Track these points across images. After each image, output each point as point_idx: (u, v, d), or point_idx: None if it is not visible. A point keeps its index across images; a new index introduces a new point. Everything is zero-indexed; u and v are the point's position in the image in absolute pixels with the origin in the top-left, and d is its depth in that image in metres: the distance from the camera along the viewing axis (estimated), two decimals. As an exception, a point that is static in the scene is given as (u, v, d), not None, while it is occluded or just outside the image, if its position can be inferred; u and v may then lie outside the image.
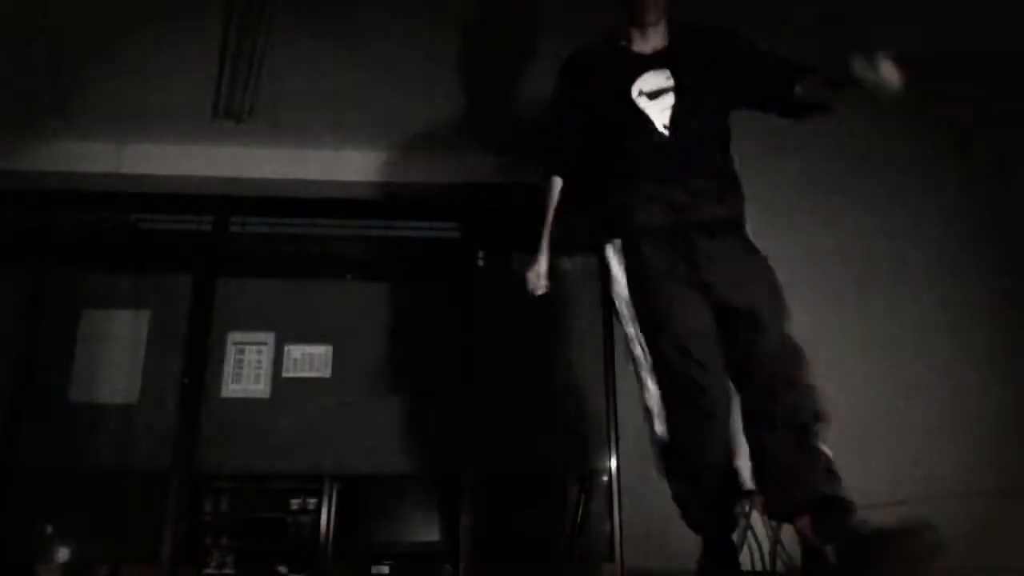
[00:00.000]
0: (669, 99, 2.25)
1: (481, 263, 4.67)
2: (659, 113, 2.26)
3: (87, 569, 3.88)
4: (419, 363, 4.56)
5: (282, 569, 4.07)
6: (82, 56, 3.69)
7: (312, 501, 4.27)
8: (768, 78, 2.29)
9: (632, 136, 2.29)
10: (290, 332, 4.61)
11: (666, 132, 2.25)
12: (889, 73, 1.96)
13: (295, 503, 4.27)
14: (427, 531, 4.30)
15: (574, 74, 2.51)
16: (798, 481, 2.08)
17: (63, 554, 3.86)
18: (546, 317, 4.64)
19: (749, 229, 2.32)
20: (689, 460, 2.27)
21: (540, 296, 2.48)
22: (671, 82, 2.27)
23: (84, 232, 4.70)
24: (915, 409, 3.07)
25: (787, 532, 3.45)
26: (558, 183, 2.51)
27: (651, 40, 2.36)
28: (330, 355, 4.58)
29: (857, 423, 3.32)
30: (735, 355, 2.19)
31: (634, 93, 2.28)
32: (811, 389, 2.13)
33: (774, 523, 3.46)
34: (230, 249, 4.69)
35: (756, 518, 3.52)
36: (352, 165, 4.58)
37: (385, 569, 4.15)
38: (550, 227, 2.51)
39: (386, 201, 4.73)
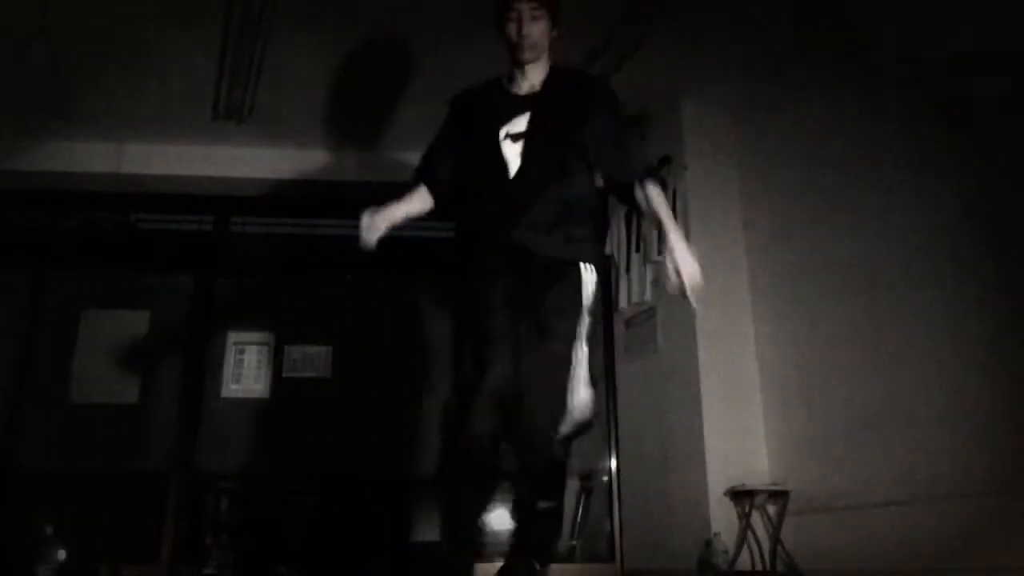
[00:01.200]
0: (522, 144, 2.30)
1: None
2: (513, 157, 2.30)
3: (87, 569, 3.88)
4: (419, 363, 4.56)
5: (282, 569, 4.07)
6: (82, 56, 3.69)
7: (312, 501, 4.28)
8: (615, 164, 2.34)
9: (486, 177, 2.34)
10: (290, 332, 4.61)
11: (511, 176, 2.29)
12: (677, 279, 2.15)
13: (295, 503, 4.28)
14: (427, 531, 4.30)
15: (457, 109, 2.57)
16: None
17: (63, 554, 3.86)
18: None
19: (590, 270, 2.27)
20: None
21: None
22: (526, 127, 2.31)
23: (84, 232, 4.70)
24: (915, 409, 3.06)
25: (787, 532, 3.45)
26: (421, 188, 2.57)
27: (529, 79, 2.39)
28: (330, 355, 4.58)
29: (857, 423, 3.32)
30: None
31: (501, 135, 2.33)
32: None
33: (775, 523, 3.47)
34: (230, 249, 4.69)
35: (756, 518, 3.53)
36: (352, 165, 4.59)
37: (385, 569, 4.15)
38: (397, 214, 2.54)
39: (386, 201, 4.72)
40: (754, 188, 4.06)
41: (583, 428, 2.21)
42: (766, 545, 3.49)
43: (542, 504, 2.20)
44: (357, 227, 2.48)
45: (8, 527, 4.06)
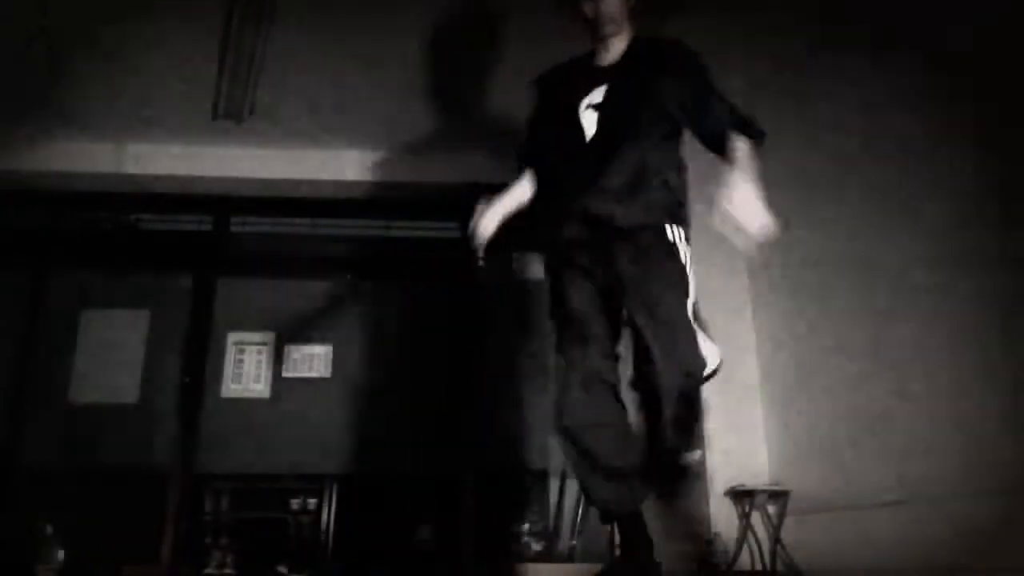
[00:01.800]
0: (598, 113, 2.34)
1: (481, 263, 4.67)
2: (591, 125, 2.33)
3: (87, 569, 3.88)
4: (419, 363, 4.56)
5: (282, 569, 4.07)
6: (82, 56, 3.69)
7: (312, 501, 4.28)
8: (702, 120, 2.32)
9: (566, 149, 2.37)
10: (290, 332, 4.61)
11: (587, 143, 2.31)
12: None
13: (295, 503, 4.28)
14: (427, 531, 4.30)
15: (541, 89, 2.59)
16: None
17: (63, 554, 3.86)
18: (545, 316, 4.64)
19: (674, 229, 2.28)
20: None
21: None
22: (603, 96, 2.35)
23: (84, 232, 4.70)
24: (915, 409, 3.06)
25: (787, 532, 3.45)
26: (526, 173, 2.61)
27: (612, 52, 2.41)
28: (330, 355, 4.58)
29: (857, 423, 3.32)
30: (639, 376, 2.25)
31: (582, 106, 2.35)
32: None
33: (775, 523, 3.47)
34: (230, 249, 4.69)
35: (756, 518, 3.53)
36: (352, 165, 4.59)
37: (385, 569, 4.15)
38: (508, 202, 2.58)
39: (386, 201, 4.73)
40: (754, 187, 4.05)
41: (712, 376, 2.25)
42: (766, 545, 3.49)
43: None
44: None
45: (8, 527, 4.06)
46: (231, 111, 4.15)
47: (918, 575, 2.79)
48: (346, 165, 4.59)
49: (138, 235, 4.75)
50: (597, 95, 2.35)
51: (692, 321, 2.19)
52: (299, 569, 4.08)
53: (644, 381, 2.20)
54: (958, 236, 2.96)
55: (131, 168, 4.48)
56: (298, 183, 4.60)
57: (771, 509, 3.52)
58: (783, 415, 3.70)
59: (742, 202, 2.05)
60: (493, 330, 4.58)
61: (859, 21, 3.40)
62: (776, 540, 3.44)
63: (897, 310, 3.19)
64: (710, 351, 2.23)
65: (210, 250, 4.65)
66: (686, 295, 2.21)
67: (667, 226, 2.25)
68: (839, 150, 3.56)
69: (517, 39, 3.70)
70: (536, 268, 4.80)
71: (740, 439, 3.72)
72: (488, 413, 4.37)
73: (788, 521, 3.45)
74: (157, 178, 4.52)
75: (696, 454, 2.42)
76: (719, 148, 2.26)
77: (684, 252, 2.25)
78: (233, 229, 4.72)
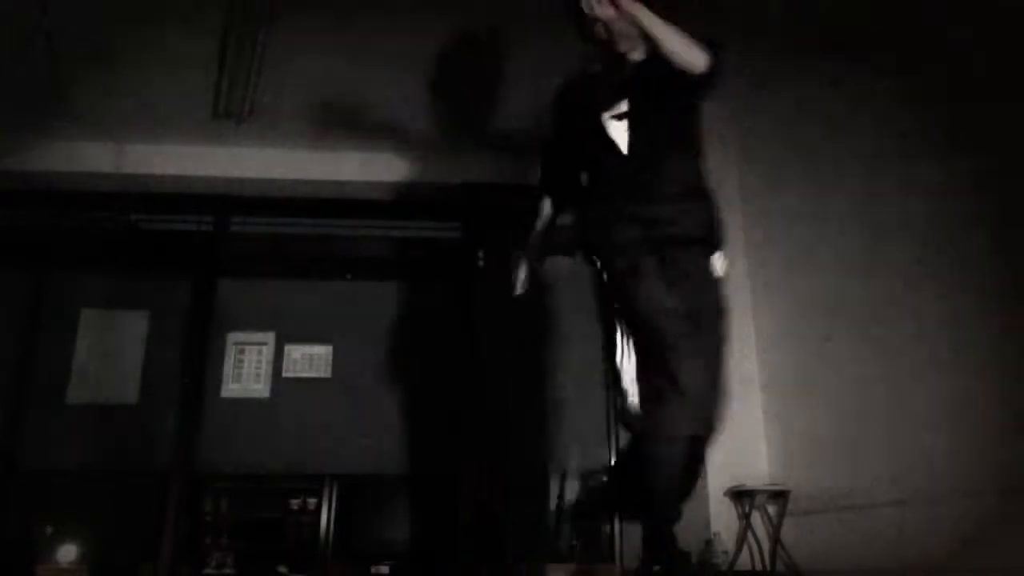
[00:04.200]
0: (626, 123, 2.37)
1: (481, 263, 4.67)
2: (622, 136, 2.37)
3: (87, 569, 3.88)
4: (419, 363, 4.56)
5: (282, 569, 4.07)
6: (82, 56, 3.69)
7: (312, 501, 4.28)
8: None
9: (600, 161, 2.41)
10: (290, 332, 4.61)
11: (624, 154, 2.35)
12: None
13: (295, 503, 4.28)
14: (427, 531, 4.30)
15: (559, 108, 2.64)
16: None
17: (63, 554, 3.86)
18: (546, 317, 4.64)
19: (716, 241, 2.35)
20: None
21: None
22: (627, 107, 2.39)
23: (84, 232, 4.70)
24: (915, 409, 3.06)
25: (787, 532, 3.45)
26: (547, 202, 2.68)
27: (629, 64, 2.44)
28: (330, 355, 4.58)
29: (857, 424, 3.32)
30: None
31: (605, 118, 2.39)
32: None
33: (775, 523, 3.47)
34: (230, 249, 4.69)
35: (756, 518, 3.53)
36: (352, 165, 4.59)
37: (385, 569, 4.15)
38: (537, 238, 2.69)
39: (386, 201, 4.73)
40: (754, 185, 4.06)
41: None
42: (766, 545, 3.50)
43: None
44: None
45: (8, 527, 4.06)
46: (231, 111, 4.15)
47: (918, 575, 2.80)
48: (346, 165, 4.59)
49: (138, 235, 4.75)
50: (621, 106, 2.38)
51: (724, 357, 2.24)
52: (299, 569, 4.08)
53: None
54: (957, 236, 2.96)
55: (131, 168, 4.48)
56: (298, 183, 4.60)
57: (771, 509, 3.53)
58: (783, 415, 3.70)
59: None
60: (493, 330, 4.57)
61: (849, 25, 3.40)
62: (776, 540, 3.45)
63: (896, 311, 3.19)
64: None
65: (210, 250, 4.65)
66: (723, 308, 2.27)
67: (708, 236, 2.31)
68: (839, 152, 3.57)
69: (517, 40, 3.70)
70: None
71: (740, 439, 3.72)
72: (488, 413, 4.36)
73: (788, 521, 3.46)
74: (157, 178, 4.52)
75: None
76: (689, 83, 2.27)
77: (719, 263, 2.32)
78: (233, 229, 4.71)
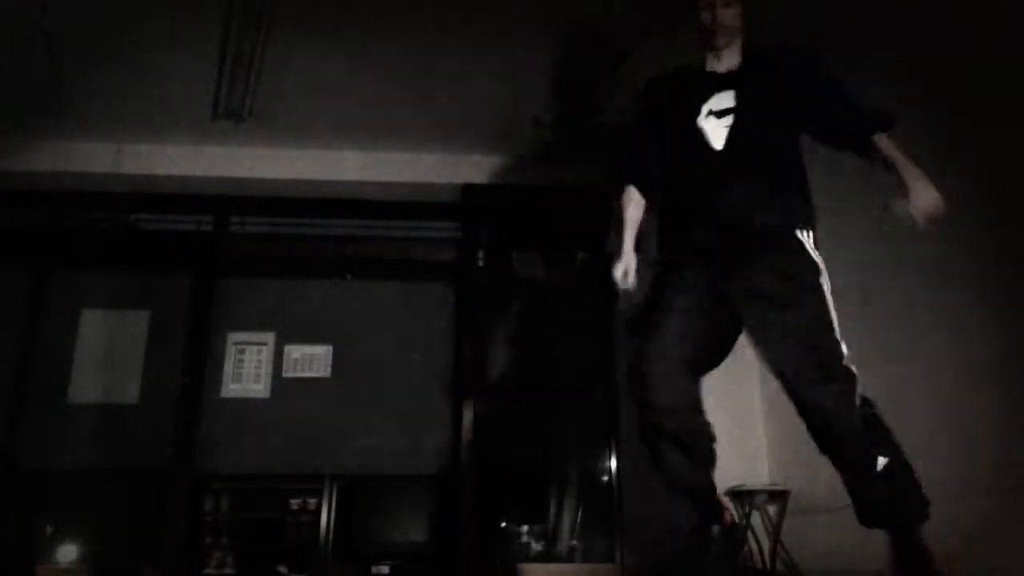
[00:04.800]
0: (730, 119, 2.34)
1: (481, 263, 4.68)
2: (718, 132, 2.33)
3: (87, 569, 3.88)
4: (418, 363, 4.56)
5: (282, 569, 4.07)
6: (82, 56, 3.69)
7: (312, 501, 4.28)
8: (846, 122, 2.35)
9: (693, 155, 2.37)
10: (290, 332, 4.61)
11: (719, 150, 2.32)
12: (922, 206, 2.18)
13: (295, 503, 4.28)
14: (427, 531, 4.30)
15: (651, 98, 2.60)
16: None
17: (63, 554, 3.86)
18: (546, 317, 4.65)
19: (808, 235, 2.31)
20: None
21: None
22: (734, 103, 2.35)
23: (84, 232, 4.70)
24: (914, 409, 3.06)
25: (787, 532, 3.45)
26: (632, 191, 2.56)
27: (724, 61, 2.44)
28: (330, 355, 4.58)
29: (857, 423, 3.31)
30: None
31: (702, 113, 2.37)
32: None
33: (775, 523, 3.47)
34: (230, 249, 4.69)
35: (756, 518, 3.53)
36: (352, 165, 4.59)
37: (385, 569, 4.15)
38: (629, 230, 2.54)
39: (386, 201, 4.73)
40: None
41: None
42: (766, 545, 3.49)
43: (879, 461, 2.20)
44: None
45: (8, 527, 4.06)
46: (231, 111, 4.15)
47: (918, 575, 2.79)
48: (346, 165, 4.59)
49: (138, 235, 4.75)
50: (721, 101, 2.36)
51: (838, 341, 2.25)
52: (299, 569, 4.08)
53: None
54: (957, 237, 2.96)
55: (131, 168, 4.48)
56: (298, 183, 4.60)
57: (771, 509, 3.53)
58: (783, 415, 3.70)
59: (925, 197, 2.17)
60: (493, 330, 4.58)
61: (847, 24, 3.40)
62: (776, 540, 3.45)
63: (894, 309, 3.19)
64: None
65: (210, 250, 4.65)
66: (823, 296, 2.26)
67: (799, 231, 2.27)
68: (837, 154, 3.57)
69: (517, 40, 3.69)
70: (537, 267, 4.81)
71: (740, 439, 3.73)
72: (488, 413, 4.36)
73: (788, 521, 3.46)
74: (157, 178, 4.52)
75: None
76: (859, 148, 2.32)
77: (815, 255, 2.29)
78: (233, 229, 4.72)
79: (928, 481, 2.92)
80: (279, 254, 4.77)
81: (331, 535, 4.22)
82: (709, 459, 2.38)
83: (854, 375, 2.23)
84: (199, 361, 4.42)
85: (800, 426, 3.59)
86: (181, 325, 4.49)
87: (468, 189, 4.63)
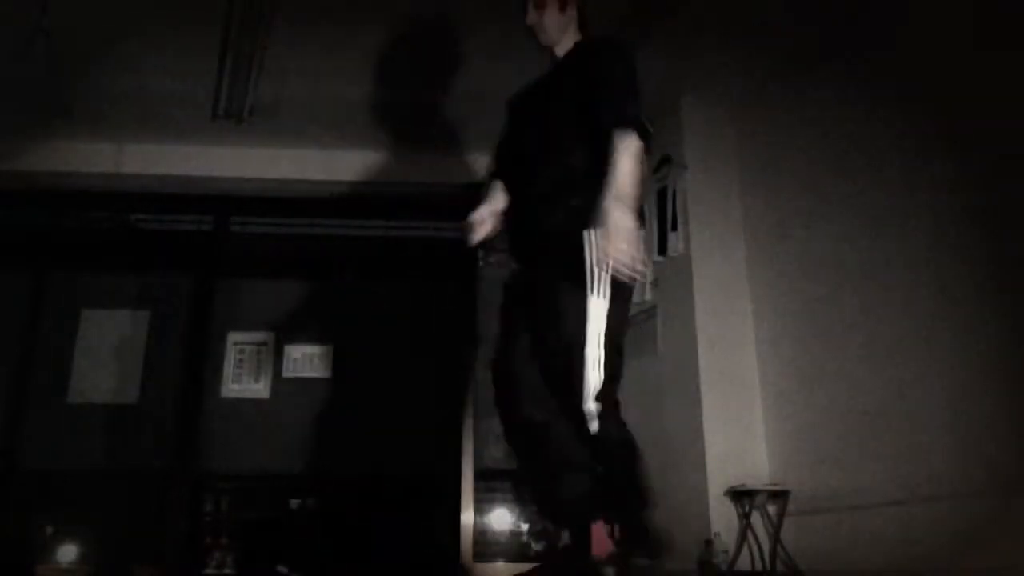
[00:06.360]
0: (538, 116, 2.38)
1: (481, 263, 4.68)
2: (531, 129, 2.38)
3: (87, 569, 3.88)
4: (419, 363, 4.56)
5: (282, 569, 4.07)
6: (82, 56, 3.69)
7: (312, 501, 4.28)
8: (597, 116, 2.19)
9: (511, 155, 2.45)
10: (290, 332, 4.61)
11: (525, 149, 2.37)
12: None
13: (295, 503, 4.28)
14: (427, 531, 4.30)
15: (509, 106, 2.60)
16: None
17: (63, 554, 3.86)
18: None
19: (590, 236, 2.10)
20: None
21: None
22: (542, 100, 2.39)
23: (84, 232, 4.70)
24: (914, 409, 3.06)
25: (787, 532, 3.45)
26: (496, 183, 2.55)
27: (555, 61, 2.44)
28: (330, 355, 4.58)
29: (857, 423, 3.32)
30: None
31: (529, 114, 2.42)
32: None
33: (775, 523, 3.47)
34: (230, 249, 4.69)
35: (756, 518, 3.53)
36: (352, 165, 4.59)
37: (384, 569, 4.15)
38: (484, 210, 2.52)
39: (386, 201, 4.73)
40: (754, 187, 4.06)
41: (605, 390, 2.09)
42: (766, 545, 3.49)
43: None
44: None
45: (8, 527, 4.06)
46: (231, 111, 4.15)
47: (918, 575, 2.79)
48: (346, 165, 4.59)
49: (138, 235, 4.75)
50: (536, 100, 2.40)
51: (593, 344, 2.07)
52: (299, 569, 4.08)
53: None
54: (956, 237, 2.96)
55: (131, 168, 4.48)
56: (298, 183, 4.60)
57: (771, 509, 3.52)
58: (783, 415, 3.70)
59: (609, 235, 1.94)
60: (493, 330, 4.57)
61: (848, 28, 3.40)
62: (776, 540, 3.44)
63: (895, 310, 3.19)
64: (593, 358, 2.08)
65: (210, 250, 4.65)
66: (583, 296, 2.07)
67: (584, 233, 2.08)
68: (837, 153, 3.57)
69: (517, 40, 3.69)
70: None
71: (740, 439, 3.72)
72: (488, 413, 4.36)
73: (788, 521, 3.46)
74: (157, 178, 4.52)
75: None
76: (608, 144, 2.10)
77: (592, 253, 2.06)
78: (233, 229, 4.72)
79: (929, 480, 2.93)
80: (279, 254, 4.77)
81: (331, 535, 4.22)
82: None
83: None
84: (199, 361, 4.42)
85: (800, 426, 3.60)
86: (181, 325, 4.49)
87: (468, 189, 4.63)
